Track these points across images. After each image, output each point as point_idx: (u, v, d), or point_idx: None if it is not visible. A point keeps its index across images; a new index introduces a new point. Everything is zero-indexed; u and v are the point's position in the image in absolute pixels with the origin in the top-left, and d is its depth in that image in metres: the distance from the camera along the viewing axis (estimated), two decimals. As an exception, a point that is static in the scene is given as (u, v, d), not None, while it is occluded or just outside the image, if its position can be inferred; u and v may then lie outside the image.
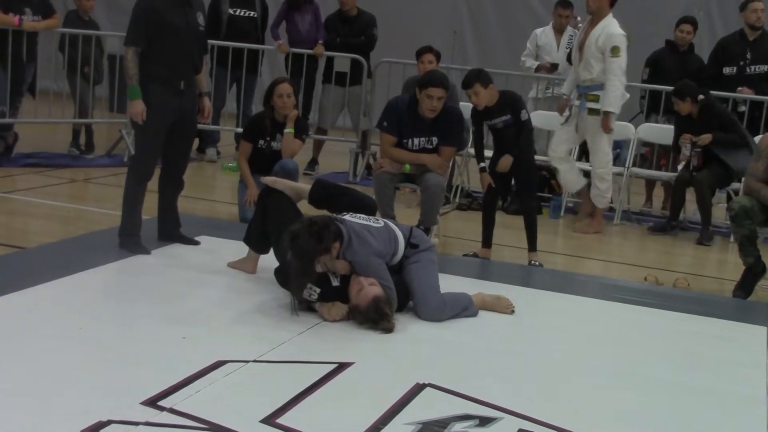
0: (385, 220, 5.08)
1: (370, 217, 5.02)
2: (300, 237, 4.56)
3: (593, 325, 5.27)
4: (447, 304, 4.95)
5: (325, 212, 5.10)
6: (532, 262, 6.53)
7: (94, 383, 3.69)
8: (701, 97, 8.07)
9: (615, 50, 7.64)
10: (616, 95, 7.65)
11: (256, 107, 11.11)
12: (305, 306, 4.78)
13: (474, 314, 5.04)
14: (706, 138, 7.92)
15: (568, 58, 9.17)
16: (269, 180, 5.43)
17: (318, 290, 4.72)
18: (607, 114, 7.67)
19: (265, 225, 5.29)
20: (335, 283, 4.76)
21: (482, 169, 6.67)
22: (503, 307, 5.17)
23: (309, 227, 4.59)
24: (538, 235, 6.56)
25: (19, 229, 6.46)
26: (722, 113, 8.16)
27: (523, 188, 6.67)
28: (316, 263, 4.64)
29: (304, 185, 5.47)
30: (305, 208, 5.36)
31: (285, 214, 5.13)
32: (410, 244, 4.98)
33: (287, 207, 5.25)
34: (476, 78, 6.41)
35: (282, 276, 5.01)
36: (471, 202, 8.56)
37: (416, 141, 6.44)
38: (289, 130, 6.91)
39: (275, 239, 5.14)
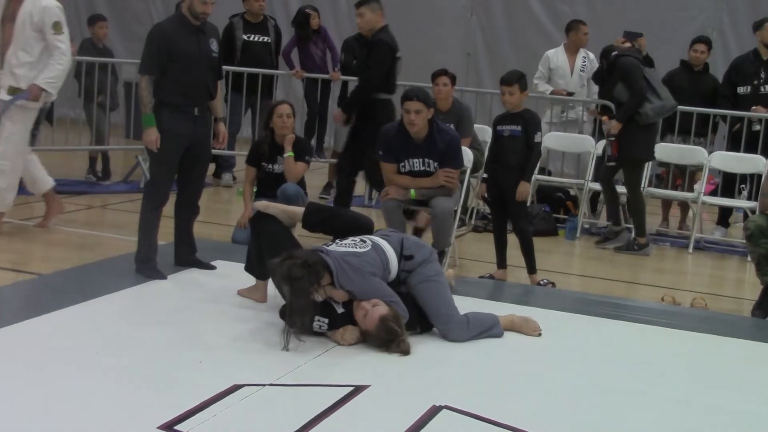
0: (373, 239, 4.95)
1: (357, 241, 4.91)
2: (301, 279, 4.51)
3: (612, 345, 5.24)
4: (470, 323, 4.94)
5: (310, 246, 5.06)
6: (541, 282, 6.52)
7: (111, 408, 3.70)
8: (615, 53, 8.05)
9: (57, 26, 6.73)
10: (58, 73, 6.80)
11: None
12: (314, 332, 4.76)
13: (499, 335, 5.02)
14: (615, 126, 7.82)
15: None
16: (261, 205, 5.42)
17: (326, 320, 4.71)
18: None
19: (261, 251, 5.26)
20: (340, 310, 4.75)
21: (483, 179, 6.68)
22: (530, 329, 5.15)
23: (308, 268, 4.52)
24: (554, 256, 6.56)
25: (37, 255, 6.50)
26: (620, 66, 7.92)
27: (516, 210, 6.55)
28: (315, 297, 4.60)
29: (298, 209, 5.43)
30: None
31: (278, 240, 5.11)
32: (404, 257, 4.94)
33: (279, 232, 5.22)
34: (518, 80, 6.44)
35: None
36: (487, 224, 8.54)
37: (412, 162, 6.40)
38: (288, 154, 6.93)
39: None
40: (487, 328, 4.99)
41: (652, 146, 8.08)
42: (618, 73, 7.88)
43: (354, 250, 4.82)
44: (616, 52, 8.09)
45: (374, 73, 7.41)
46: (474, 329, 4.94)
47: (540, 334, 5.14)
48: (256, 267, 5.36)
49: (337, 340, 4.70)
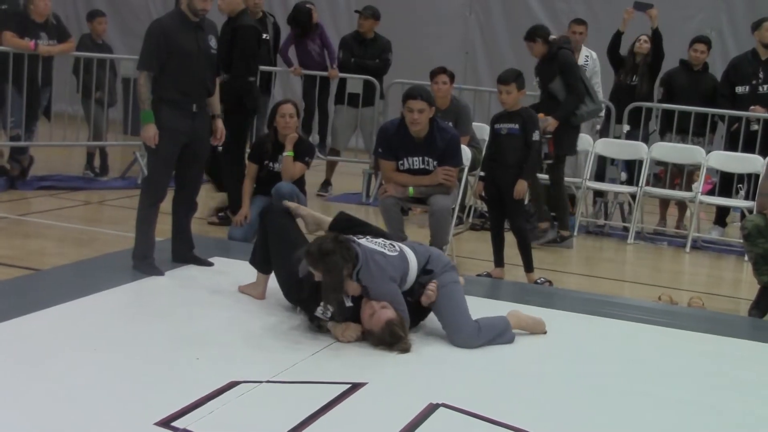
0: (401, 246, 4.95)
1: (387, 243, 4.91)
2: (333, 253, 4.52)
3: (608, 344, 5.24)
4: (481, 330, 4.86)
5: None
6: (538, 280, 6.52)
7: (108, 404, 3.70)
8: (553, 37, 7.99)
9: None
10: None
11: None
12: (316, 326, 4.77)
13: (510, 340, 4.94)
14: (552, 123, 7.77)
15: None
16: (292, 205, 5.42)
17: (332, 309, 4.70)
18: None
19: (266, 245, 5.26)
20: (348, 303, 4.74)
21: (481, 177, 6.67)
22: (540, 331, 5.15)
23: (339, 243, 4.57)
24: (551, 255, 6.54)
25: (34, 251, 6.49)
26: (564, 60, 7.88)
27: (513, 208, 6.55)
28: (346, 273, 4.60)
29: (325, 217, 5.45)
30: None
31: (286, 233, 5.12)
32: (425, 271, 4.90)
33: (288, 226, 5.22)
34: (515, 78, 6.42)
35: (298, 293, 4.93)
36: (484, 222, 8.55)
37: (411, 161, 6.40)
38: (288, 153, 6.91)
39: (275, 258, 5.12)
40: (498, 334, 4.91)
41: (576, 142, 8.17)
42: (558, 67, 7.83)
43: (383, 250, 4.81)
44: (554, 37, 8.03)
45: (244, 61, 7.42)
46: (484, 336, 4.86)
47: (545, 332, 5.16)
48: (259, 261, 5.35)
49: (337, 336, 4.69)
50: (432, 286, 4.84)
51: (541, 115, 7.91)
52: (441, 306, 4.89)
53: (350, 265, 4.63)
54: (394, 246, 4.91)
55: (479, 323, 4.88)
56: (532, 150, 6.47)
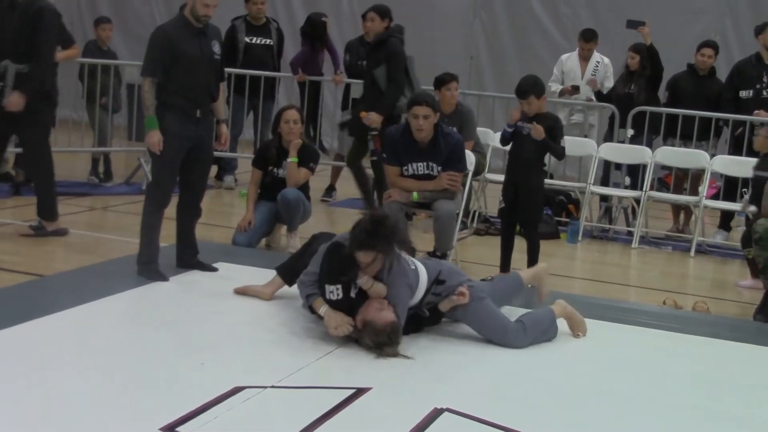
0: (415, 262, 4.98)
1: (405, 256, 4.94)
2: (386, 217, 4.69)
3: (613, 349, 5.22)
4: (527, 328, 4.95)
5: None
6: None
7: (112, 410, 3.71)
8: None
9: None
10: None
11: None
12: (307, 307, 4.80)
13: (553, 337, 5.08)
14: (377, 119, 7.57)
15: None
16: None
17: (340, 294, 4.72)
18: None
19: (301, 261, 5.23)
20: (352, 294, 4.76)
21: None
22: (578, 329, 5.23)
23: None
24: (556, 260, 6.54)
25: (39, 257, 6.49)
26: (392, 49, 7.73)
27: (528, 211, 6.52)
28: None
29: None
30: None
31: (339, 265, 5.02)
32: (438, 281, 4.94)
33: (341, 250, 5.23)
34: (532, 89, 6.34)
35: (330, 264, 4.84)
36: (488, 227, 8.55)
37: (415, 166, 6.41)
38: (291, 159, 6.91)
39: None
40: (544, 330, 5.03)
41: None
42: (384, 55, 7.72)
43: (406, 259, 4.89)
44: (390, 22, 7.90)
45: (50, 46, 7.03)
46: (531, 333, 4.96)
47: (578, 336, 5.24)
48: (287, 270, 5.36)
49: (329, 325, 4.69)
50: (462, 288, 4.89)
51: (362, 114, 7.76)
52: (480, 321, 4.96)
53: (375, 263, 4.66)
54: (410, 260, 4.95)
55: (524, 322, 4.97)
56: (559, 145, 6.40)
